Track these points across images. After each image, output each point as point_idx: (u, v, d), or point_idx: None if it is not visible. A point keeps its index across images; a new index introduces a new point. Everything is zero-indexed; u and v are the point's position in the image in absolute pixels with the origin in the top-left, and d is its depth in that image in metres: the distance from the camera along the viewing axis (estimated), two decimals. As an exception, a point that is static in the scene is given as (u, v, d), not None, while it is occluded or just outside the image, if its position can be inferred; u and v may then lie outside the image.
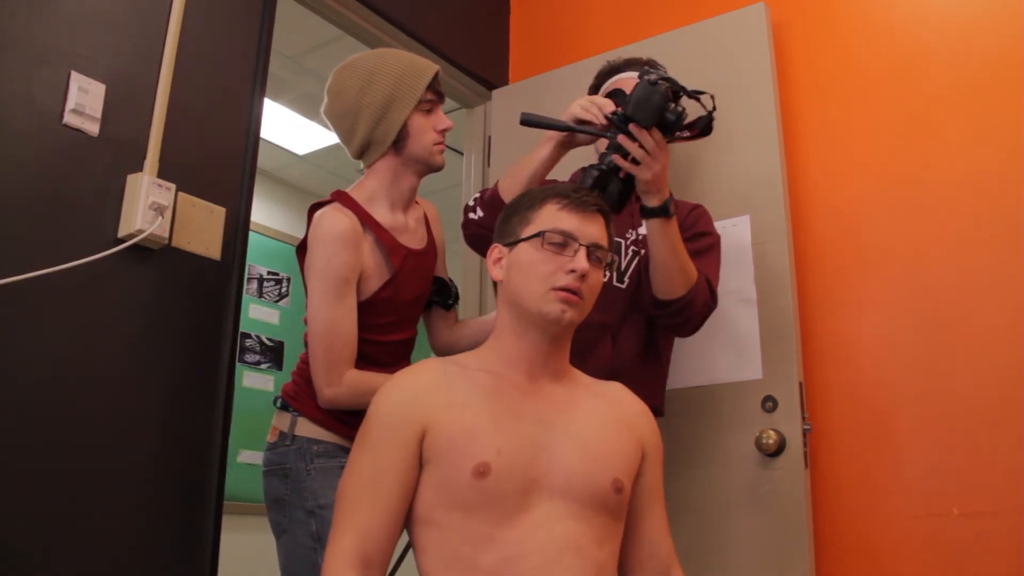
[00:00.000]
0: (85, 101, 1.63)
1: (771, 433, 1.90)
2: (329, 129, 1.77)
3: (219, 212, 1.85)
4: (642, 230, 1.88)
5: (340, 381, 1.50)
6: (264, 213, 4.39)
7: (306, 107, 3.95)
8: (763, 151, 2.13)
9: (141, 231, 1.64)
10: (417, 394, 1.20)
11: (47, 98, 1.59)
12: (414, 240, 1.68)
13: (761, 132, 2.14)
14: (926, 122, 2.04)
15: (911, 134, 2.05)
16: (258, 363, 3.83)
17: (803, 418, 1.92)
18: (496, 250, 1.31)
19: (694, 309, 1.68)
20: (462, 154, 2.91)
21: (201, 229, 1.80)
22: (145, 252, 1.69)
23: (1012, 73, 1.93)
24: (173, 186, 1.72)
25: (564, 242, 1.23)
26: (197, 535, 1.70)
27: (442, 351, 1.74)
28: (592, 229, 1.26)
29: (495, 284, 1.32)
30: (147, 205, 1.65)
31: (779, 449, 1.90)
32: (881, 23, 2.16)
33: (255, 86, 2.00)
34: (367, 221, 1.60)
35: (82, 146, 1.63)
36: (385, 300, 1.59)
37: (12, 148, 1.53)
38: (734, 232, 2.11)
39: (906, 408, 1.91)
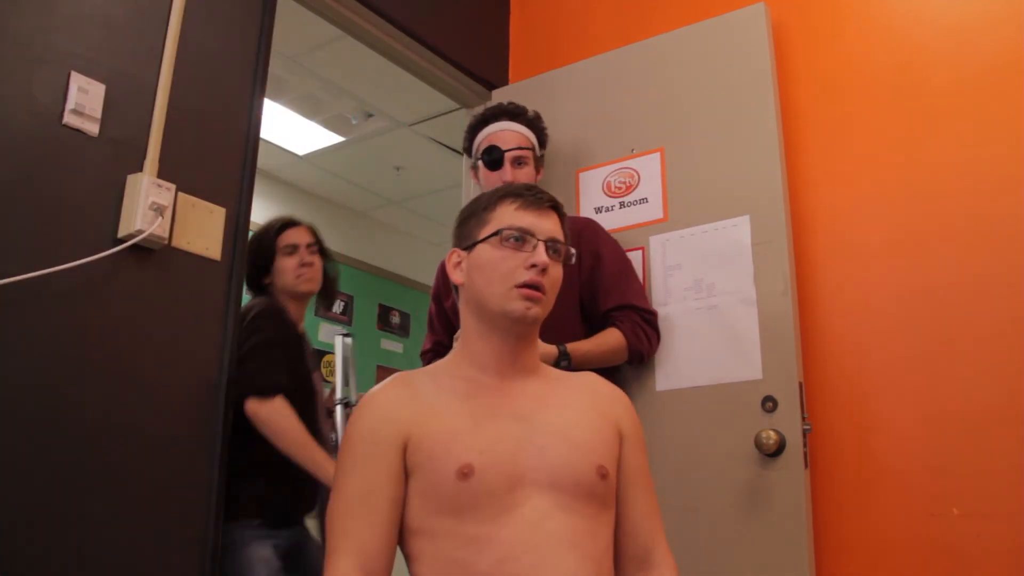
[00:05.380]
0: (85, 101, 1.63)
1: (771, 433, 1.90)
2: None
3: (219, 212, 1.85)
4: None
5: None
6: (264, 213, 4.38)
7: (306, 107, 3.95)
8: (763, 151, 2.13)
9: (141, 231, 1.64)
10: (392, 407, 1.20)
11: (47, 98, 1.59)
12: None
13: (761, 132, 2.14)
14: (926, 122, 2.04)
15: (911, 134, 2.05)
16: (258, 363, 3.83)
17: (803, 418, 1.92)
18: (455, 255, 1.30)
19: (643, 351, 1.99)
20: (462, 154, 2.91)
21: (201, 229, 1.80)
22: (145, 252, 1.69)
23: (1012, 73, 1.93)
24: (173, 186, 1.72)
25: (522, 238, 1.23)
26: (197, 536, 1.70)
27: None
28: (548, 224, 1.26)
29: (456, 289, 1.32)
30: (147, 205, 1.65)
31: (779, 449, 1.90)
32: (881, 23, 2.16)
33: (255, 86, 2.00)
34: None
35: (82, 146, 1.63)
36: None
37: (12, 148, 1.53)
38: (734, 232, 2.11)
39: (906, 408, 1.91)
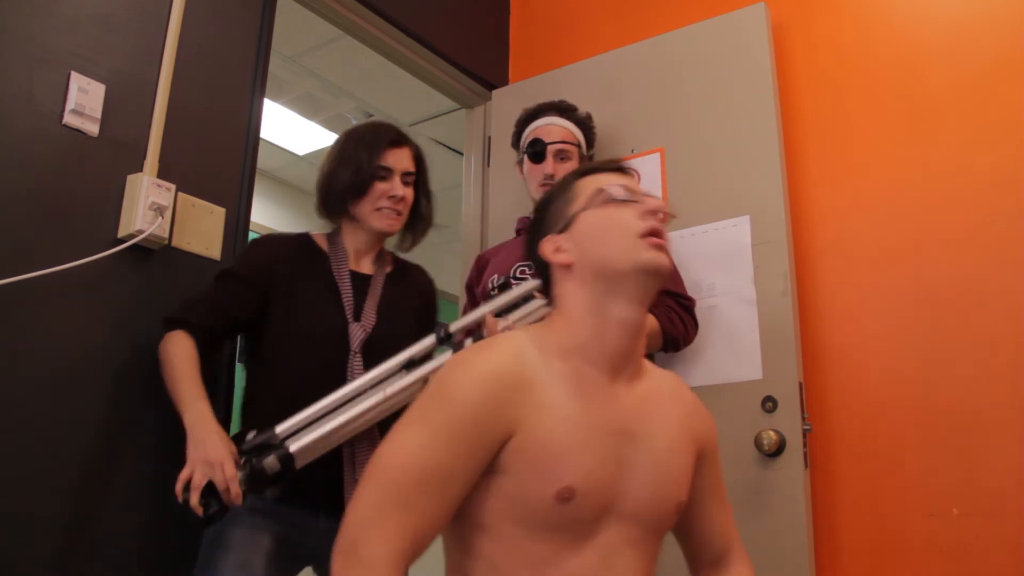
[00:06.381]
0: (85, 101, 1.63)
1: (771, 433, 1.90)
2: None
3: (219, 212, 1.85)
4: None
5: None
6: (264, 213, 4.39)
7: (306, 107, 3.95)
8: (763, 151, 2.13)
9: (141, 231, 1.64)
10: (506, 387, 1.02)
11: (47, 98, 1.59)
12: None
13: (761, 132, 2.14)
14: (926, 122, 2.04)
15: (911, 134, 2.05)
16: (258, 363, 3.83)
17: (803, 418, 1.92)
18: (551, 241, 1.16)
19: (678, 337, 1.89)
20: (462, 154, 2.91)
21: (201, 229, 1.80)
22: (145, 252, 1.69)
23: (1012, 73, 1.93)
24: (173, 186, 1.72)
25: (624, 196, 1.13)
26: (196, 535, 1.70)
27: None
28: (634, 182, 1.17)
29: (551, 275, 1.18)
30: (147, 205, 1.66)
31: (779, 449, 1.90)
32: (881, 23, 2.16)
33: (255, 86, 2.00)
34: None
35: (82, 146, 1.63)
36: None
37: (12, 148, 1.53)
38: (734, 232, 2.11)
39: (906, 408, 1.91)
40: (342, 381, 1.55)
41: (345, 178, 1.71)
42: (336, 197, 1.73)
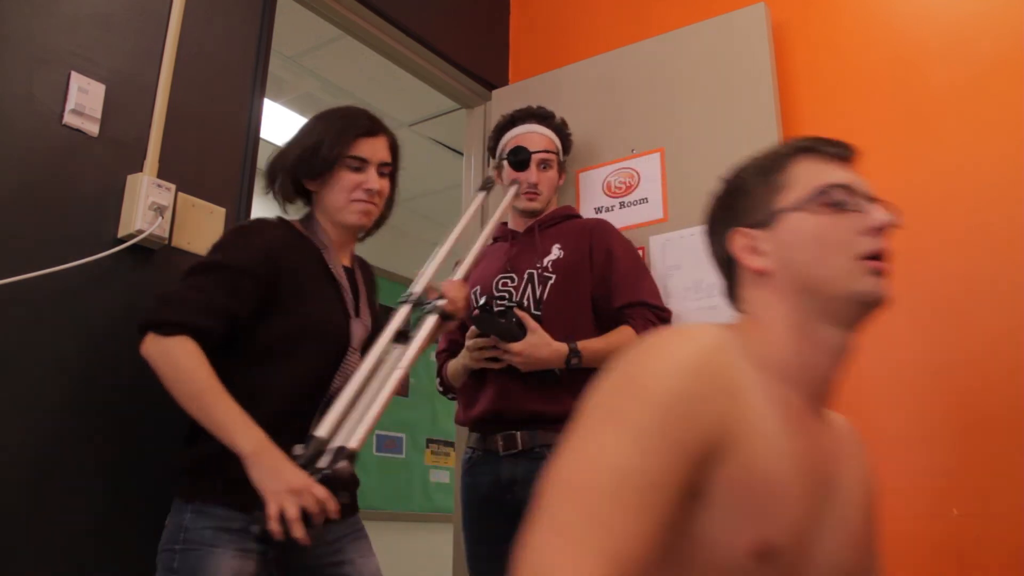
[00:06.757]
0: (85, 101, 1.63)
1: (771, 433, 1.90)
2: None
3: (219, 212, 1.85)
4: (550, 257, 1.98)
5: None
6: (264, 213, 4.38)
7: (306, 107, 3.95)
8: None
9: (141, 231, 1.64)
10: (710, 376, 0.79)
11: (47, 98, 1.59)
12: None
13: (761, 132, 2.14)
14: (926, 122, 2.04)
15: (911, 134, 2.05)
16: (258, 363, 3.83)
17: (803, 418, 1.92)
18: (741, 236, 0.94)
19: None
20: (462, 154, 2.91)
21: (201, 229, 1.80)
22: (145, 252, 1.69)
23: (1012, 73, 1.93)
24: (173, 186, 1.72)
25: (844, 198, 0.92)
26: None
27: None
28: (859, 177, 0.96)
29: (733, 275, 0.97)
30: (147, 205, 1.66)
31: (779, 449, 1.90)
32: (881, 23, 2.16)
33: (255, 86, 2.01)
34: None
35: (82, 146, 1.63)
36: None
37: (12, 148, 1.53)
38: (734, 232, 2.11)
39: (906, 408, 1.91)
40: (330, 379, 1.53)
41: (294, 155, 1.61)
42: (287, 176, 1.63)
